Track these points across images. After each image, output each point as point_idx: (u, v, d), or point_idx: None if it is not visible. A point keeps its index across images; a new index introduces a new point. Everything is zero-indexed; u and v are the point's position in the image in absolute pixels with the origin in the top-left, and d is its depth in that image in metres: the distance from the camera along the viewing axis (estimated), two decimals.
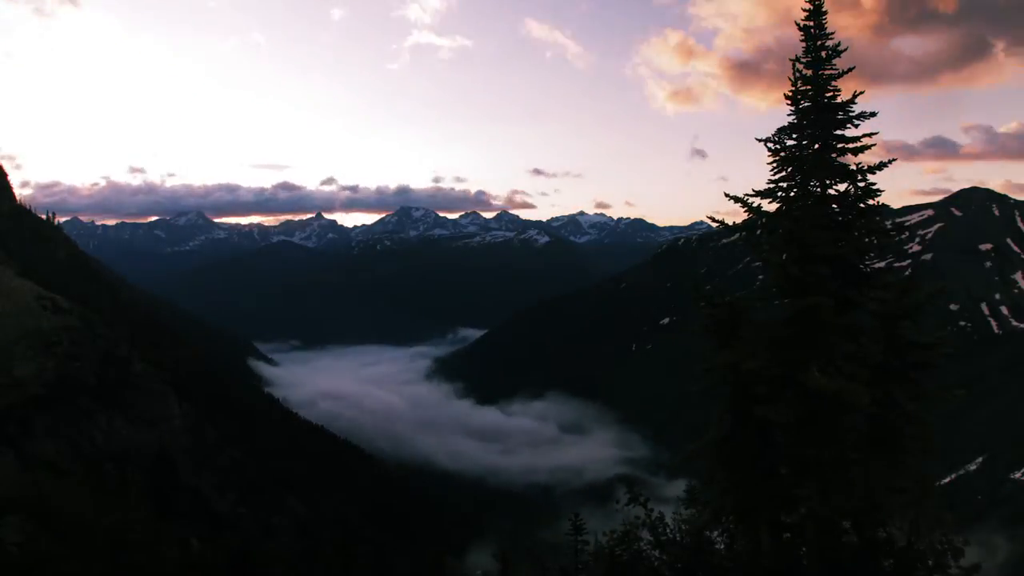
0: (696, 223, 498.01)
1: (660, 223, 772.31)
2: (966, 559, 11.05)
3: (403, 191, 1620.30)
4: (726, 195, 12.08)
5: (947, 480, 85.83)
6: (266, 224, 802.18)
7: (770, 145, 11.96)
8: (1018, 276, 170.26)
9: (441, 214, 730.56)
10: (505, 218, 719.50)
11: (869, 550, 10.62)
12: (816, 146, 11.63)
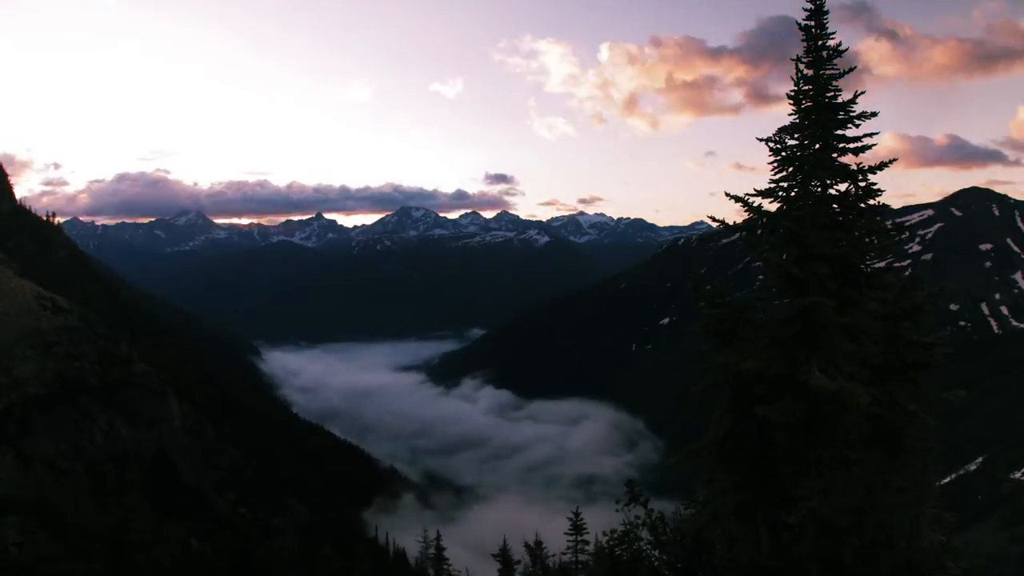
0: (696, 223, 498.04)
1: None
2: (966, 559, 11.05)
3: (363, 192, 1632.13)
4: (727, 194, 12.07)
5: (947, 480, 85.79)
6: (266, 224, 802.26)
7: (771, 145, 11.95)
8: (1018, 276, 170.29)
9: (441, 214, 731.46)
10: (505, 218, 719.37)
11: (869, 550, 10.61)
12: (817, 146, 11.63)
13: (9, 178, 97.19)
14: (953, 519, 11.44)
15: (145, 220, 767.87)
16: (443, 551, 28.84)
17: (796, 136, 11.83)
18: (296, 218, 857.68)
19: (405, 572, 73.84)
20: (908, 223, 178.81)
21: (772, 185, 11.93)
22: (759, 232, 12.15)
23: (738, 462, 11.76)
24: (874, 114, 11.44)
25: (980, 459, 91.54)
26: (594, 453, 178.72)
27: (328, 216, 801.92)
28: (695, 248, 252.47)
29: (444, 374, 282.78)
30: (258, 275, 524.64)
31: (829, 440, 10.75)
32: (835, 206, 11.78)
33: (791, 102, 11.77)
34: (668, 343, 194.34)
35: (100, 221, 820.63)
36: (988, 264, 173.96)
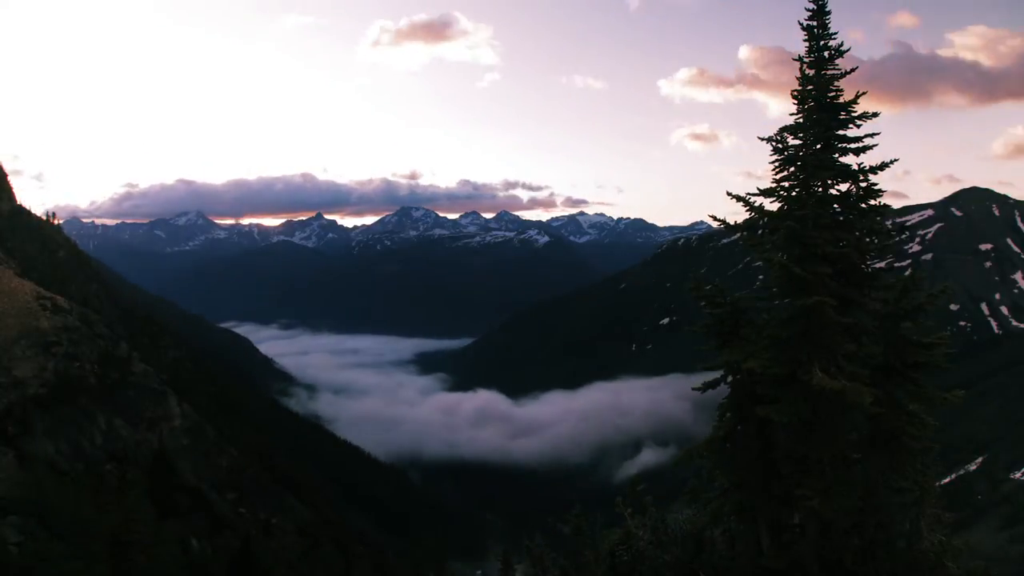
0: (696, 223, 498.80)
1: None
2: (966, 559, 11.05)
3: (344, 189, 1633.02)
4: (728, 194, 12.05)
5: (947, 480, 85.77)
6: (266, 224, 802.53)
7: (773, 144, 11.93)
8: (1018, 276, 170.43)
9: (441, 214, 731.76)
10: (505, 218, 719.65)
11: (869, 550, 10.62)
12: (819, 146, 11.61)
13: (8, 178, 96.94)
14: (953, 519, 11.44)
15: (145, 220, 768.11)
16: (444, 554, 28.83)
17: (798, 136, 11.82)
18: (298, 218, 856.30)
19: (404, 572, 73.85)
20: (908, 223, 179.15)
21: (774, 185, 11.92)
22: (760, 232, 12.14)
23: (738, 462, 11.76)
24: (875, 114, 11.43)
25: (980, 459, 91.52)
26: (593, 452, 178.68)
27: (328, 216, 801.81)
28: (695, 248, 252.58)
29: (445, 373, 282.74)
30: (258, 275, 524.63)
31: (830, 440, 10.75)
32: (836, 206, 11.77)
33: (794, 101, 11.75)
34: (668, 343, 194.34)
35: (100, 221, 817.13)
36: (988, 264, 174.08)
